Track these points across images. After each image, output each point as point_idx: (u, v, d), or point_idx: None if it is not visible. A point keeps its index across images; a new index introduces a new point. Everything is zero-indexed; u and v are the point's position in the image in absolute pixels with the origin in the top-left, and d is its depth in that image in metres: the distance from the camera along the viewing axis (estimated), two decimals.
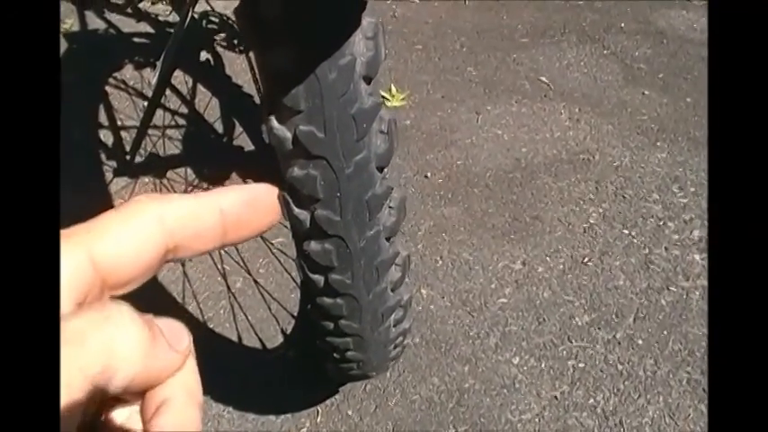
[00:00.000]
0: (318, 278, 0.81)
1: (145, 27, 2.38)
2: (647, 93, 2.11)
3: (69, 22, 2.42)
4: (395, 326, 0.95)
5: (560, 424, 1.29)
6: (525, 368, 1.39)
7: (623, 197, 1.75)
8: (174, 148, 1.94)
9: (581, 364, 1.38)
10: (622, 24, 2.44)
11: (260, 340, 1.44)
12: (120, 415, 0.28)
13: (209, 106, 2.07)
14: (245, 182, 1.80)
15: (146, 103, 2.01)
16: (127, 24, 2.36)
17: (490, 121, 2.03)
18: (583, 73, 2.22)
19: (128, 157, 1.87)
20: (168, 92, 2.05)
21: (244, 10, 0.64)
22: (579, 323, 1.46)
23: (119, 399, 0.27)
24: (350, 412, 1.33)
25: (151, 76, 1.88)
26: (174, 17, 2.35)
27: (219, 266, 1.61)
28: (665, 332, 1.42)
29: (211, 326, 1.49)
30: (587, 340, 1.43)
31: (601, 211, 1.71)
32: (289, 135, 0.68)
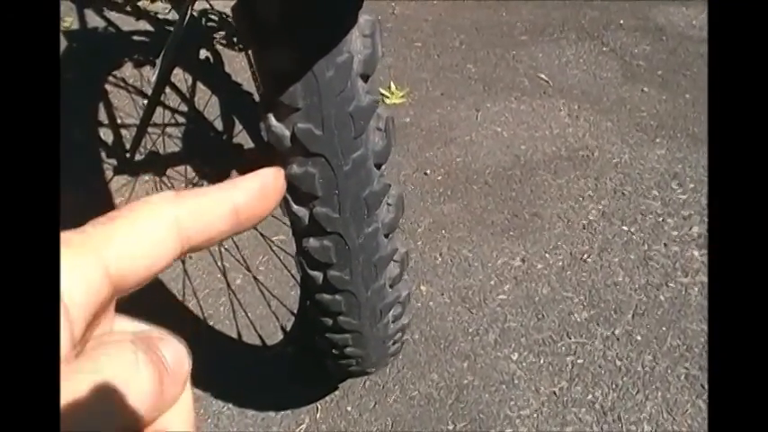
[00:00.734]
0: (317, 275, 0.81)
1: (144, 25, 2.38)
2: (646, 90, 2.12)
3: (69, 20, 2.42)
4: (393, 322, 0.95)
5: (559, 420, 1.29)
6: (524, 364, 1.39)
7: (622, 194, 1.75)
8: (173, 146, 1.95)
9: (580, 360, 1.39)
10: (621, 21, 2.44)
11: (260, 337, 1.45)
12: None
13: (208, 104, 2.07)
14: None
15: (145, 101, 2.02)
16: (126, 22, 2.36)
17: (489, 119, 2.03)
18: (582, 70, 2.23)
19: (128, 155, 1.87)
20: (168, 90, 2.06)
21: (241, 9, 0.64)
22: (578, 319, 1.46)
23: None
24: (349, 408, 1.33)
25: (151, 74, 1.89)
26: (173, 15, 2.35)
27: (219, 263, 1.62)
28: (664, 328, 1.43)
29: (211, 323, 1.49)
30: (586, 336, 1.43)
31: (600, 207, 1.72)
32: (287, 133, 0.69)
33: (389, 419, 1.31)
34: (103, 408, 0.22)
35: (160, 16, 2.43)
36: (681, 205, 1.70)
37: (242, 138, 1.93)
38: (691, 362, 1.36)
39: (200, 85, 2.13)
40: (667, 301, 1.48)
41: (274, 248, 1.62)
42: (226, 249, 1.65)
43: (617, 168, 1.83)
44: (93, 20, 2.35)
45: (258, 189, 0.31)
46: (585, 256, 1.59)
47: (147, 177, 1.87)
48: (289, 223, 0.79)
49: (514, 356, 1.41)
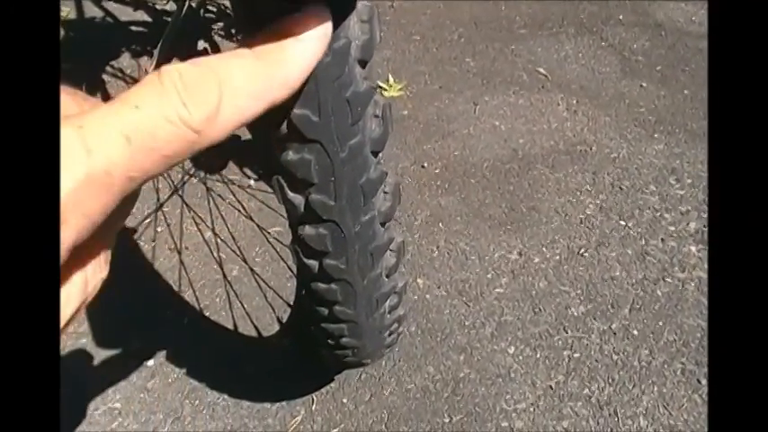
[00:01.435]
0: (313, 263, 0.81)
1: (142, 15, 2.36)
2: (644, 85, 2.11)
3: (66, 9, 2.41)
4: (389, 312, 0.95)
5: (555, 413, 1.29)
6: (520, 358, 1.39)
7: (620, 188, 1.75)
8: None
9: (576, 354, 1.39)
10: (621, 16, 2.44)
11: (256, 328, 1.45)
12: None
13: None
14: (241, 170, 1.80)
15: None
16: (124, 13, 2.35)
17: (488, 112, 2.03)
18: (581, 64, 2.22)
19: None
20: None
21: None
22: (575, 313, 1.46)
23: None
24: (345, 400, 1.33)
25: (148, 65, 1.88)
26: (171, 6, 2.33)
27: (216, 255, 1.61)
28: (661, 323, 1.42)
29: (207, 314, 1.49)
30: (583, 330, 1.43)
31: (598, 202, 1.71)
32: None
33: (385, 412, 1.31)
34: None
35: (158, 6, 2.41)
36: (678, 200, 1.69)
37: (240, 129, 1.92)
38: (687, 356, 1.36)
39: None
40: (664, 295, 1.48)
41: (271, 240, 1.62)
42: (222, 240, 1.64)
43: (615, 163, 1.83)
44: (91, 10, 2.34)
45: None
46: (583, 250, 1.59)
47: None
48: (285, 215, 0.79)
49: (511, 350, 1.40)
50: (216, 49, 2.22)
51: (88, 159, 0.24)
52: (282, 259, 1.57)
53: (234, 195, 1.75)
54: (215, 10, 2.33)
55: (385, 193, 0.78)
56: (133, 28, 2.33)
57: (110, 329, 1.43)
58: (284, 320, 1.45)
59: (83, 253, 0.27)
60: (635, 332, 1.41)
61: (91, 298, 0.29)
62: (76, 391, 1.33)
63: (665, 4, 2.47)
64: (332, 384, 1.35)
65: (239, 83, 0.28)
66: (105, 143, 0.25)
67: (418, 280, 1.54)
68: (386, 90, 2.12)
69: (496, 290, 1.51)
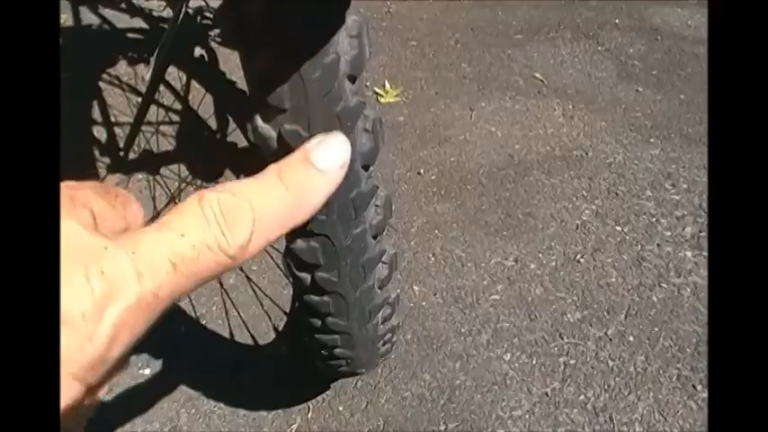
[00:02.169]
0: (305, 276, 0.81)
1: (139, 23, 2.37)
2: (640, 90, 2.12)
3: (63, 17, 2.41)
4: (383, 323, 0.95)
5: (551, 420, 1.29)
6: (516, 365, 1.39)
7: (616, 194, 1.75)
8: (167, 145, 1.94)
9: (572, 361, 1.39)
10: (617, 21, 2.44)
11: (252, 337, 1.45)
12: None
13: (202, 102, 2.07)
14: (237, 178, 1.80)
15: (139, 99, 2.01)
16: (121, 20, 2.36)
17: (484, 118, 2.03)
18: (577, 70, 2.22)
19: (121, 154, 1.87)
20: (162, 88, 2.05)
21: (226, 10, 0.64)
22: (571, 320, 1.46)
23: None
24: (341, 408, 1.33)
25: (145, 72, 1.88)
26: (168, 13, 2.34)
27: None
28: (656, 329, 1.43)
29: (204, 322, 1.49)
30: (579, 337, 1.43)
31: (594, 207, 1.72)
32: (273, 134, 0.68)
33: (381, 420, 1.31)
34: None
35: (155, 14, 2.42)
36: (674, 206, 1.70)
37: (236, 136, 1.93)
38: (683, 362, 1.36)
39: (194, 84, 2.12)
40: (660, 301, 1.48)
41: (268, 248, 1.62)
42: None
43: (611, 168, 1.83)
44: (88, 17, 2.34)
45: None
46: (579, 256, 1.59)
47: (140, 176, 1.87)
48: None
49: (507, 357, 1.40)
50: (212, 55, 2.23)
51: (139, 284, 0.27)
52: (279, 267, 1.57)
53: None
54: (211, 17, 2.33)
55: (376, 206, 0.78)
56: (130, 35, 2.34)
57: None
58: (280, 329, 1.45)
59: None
60: (631, 338, 1.42)
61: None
62: None
63: (661, 9, 2.48)
64: (328, 392, 1.35)
65: (269, 213, 0.32)
66: (155, 269, 0.28)
67: (414, 287, 1.54)
68: (382, 96, 2.12)
69: (492, 297, 1.51)
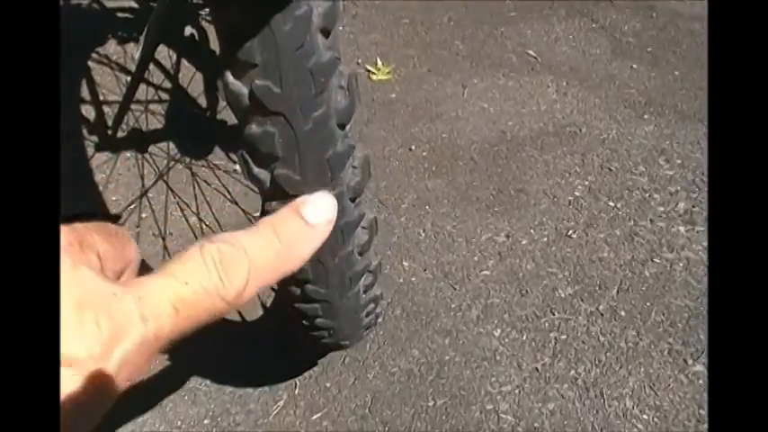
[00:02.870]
0: None
1: (129, 2, 2.34)
2: (635, 66, 2.09)
3: None
4: (364, 292, 0.93)
5: (540, 396, 1.28)
6: (507, 340, 1.37)
7: (609, 170, 1.73)
8: (156, 123, 1.92)
9: (563, 336, 1.37)
10: None
11: (239, 313, 1.43)
12: None
13: (192, 81, 2.04)
14: (226, 155, 1.79)
15: (129, 78, 1.98)
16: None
17: (476, 95, 2.01)
18: (571, 46, 2.20)
19: (109, 132, 1.84)
20: (152, 66, 2.03)
21: None
22: (562, 295, 1.45)
23: None
24: (328, 384, 1.31)
25: (134, 51, 1.85)
26: None
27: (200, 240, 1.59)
28: (648, 303, 1.41)
29: None
30: (570, 312, 1.41)
31: (586, 183, 1.70)
32: (245, 91, 0.66)
33: (369, 396, 1.29)
34: None
35: None
36: (668, 181, 1.68)
37: (226, 114, 1.90)
38: (674, 337, 1.34)
39: (184, 62, 2.10)
40: (652, 276, 1.46)
41: None
42: (207, 226, 1.63)
43: (604, 144, 1.81)
44: None
45: None
46: (571, 231, 1.57)
47: (128, 154, 1.85)
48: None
49: (497, 332, 1.39)
50: (203, 33, 2.20)
51: (144, 327, 0.30)
52: None
53: (219, 180, 1.73)
54: None
55: (353, 167, 0.76)
56: (120, 14, 2.31)
57: None
58: (268, 305, 1.43)
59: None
60: (622, 313, 1.40)
61: None
62: None
63: None
64: (315, 368, 1.33)
65: (263, 263, 0.34)
66: (158, 313, 0.31)
67: (404, 263, 1.52)
68: (374, 73, 2.10)
69: (483, 272, 1.50)
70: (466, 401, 1.28)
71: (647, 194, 1.65)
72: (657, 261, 1.49)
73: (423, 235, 1.59)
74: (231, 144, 1.80)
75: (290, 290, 0.88)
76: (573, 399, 1.27)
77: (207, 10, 2.29)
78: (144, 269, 0.35)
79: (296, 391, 1.31)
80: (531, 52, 2.18)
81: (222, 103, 1.95)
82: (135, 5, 2.34)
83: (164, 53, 2.08)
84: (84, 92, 1.99)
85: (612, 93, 1.99)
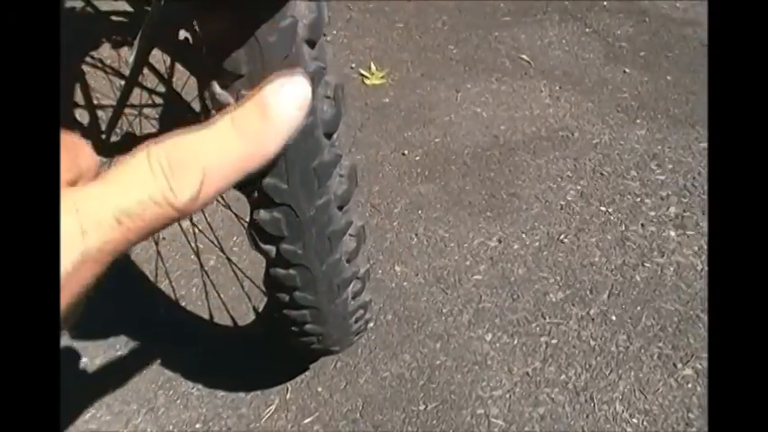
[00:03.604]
0: (270, 248, 0.80)
1: (124, 5, 2.34)
2: (628, 71, 2.10)
3: None
4: (353, 298, 0.94)
5: (531, 400, 1.28)
6: (498, 345, 1.38)
7: (601, 174, 1.74)
8: (150, 127, 1.93)
9: (554, 341, 1.38)
10: (605, 2, 2.42)
11: (232, 318, 1.44)
12: None
13: (186, 85, 2.05)
14: None
15: (123, 83, 1.99)
16: (105, 2, 2.33)
17: (470, 99, 2.01)
18: (564, 51, 2.21)
19: (103, 137, 1.85)
20: (146, 71, 2.03)
21: None
22: (553, 300, 1.45)
23: None
24: (320, 389, 1.32)
25: (128, 55, 1.86)
26: None
27: (193, 245, 1.60)
28: (639, 308, 1.42)
29: (183, 304, 1.48)
30: (561, 317, 1.42)
31: (578, 188, 1.70)
32: (231, 101, 0.67)
33: (360, 400, 1.30)
34: None
35: None
36: (659, 185, 1.68)
37: None
38: (664, 341, 1.35)
39: (178, 66, 2.10)
40: (643, 281, 1.47)
41: None
42: (200, 230, 1.63)
43: (596, 149, 1.82)
44: None
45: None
46: (562, 236, 1.58)
47: (122, 159, 1.85)
48: None
49: (488, 337, 1.39)
50: (197, 38, 2.20)
51: (83, 241, 0.28)
52: None
53: None
54: None
55: (340, 176, 0.77)
56: (114, 18, 2.31)
57: (84, 321, 1.41)
58: (260, 310, 1.44)
59: None
60: (613, 317, 1.41)
61: None
62: None
63: None
64: (307, 373, 1.34)
65: (219, 163, 0.31)
66: (99, 225, 0.28)
67: (396, 267, 1.53)
68: (368, 78, 2.10)
69: (475, 277, 1.50)
70: (457, 406, 1.28)
71: (639, 199, 1.66)
72: (648, 265, 1.50)
73: (415, 239, 1.59)
74: None
75: (278, 296, 0.88)
76: (563, 403, 1.28)
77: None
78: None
79: (287, 396, 1.31)
80: (524, 56, 2.18)
81: None
82: (129, 9, 2.34)
83: (158, 57, 2.08)
84: (78, 96, 1.99)
85: (605, 97, 2.00)
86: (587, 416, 1.25)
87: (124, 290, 1.50)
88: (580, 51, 2.20)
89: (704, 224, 1.57)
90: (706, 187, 1.66)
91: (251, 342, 1.40)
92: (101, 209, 0.28)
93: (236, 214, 1.62)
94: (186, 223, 1.64)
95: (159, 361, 1.37)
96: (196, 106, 1.97)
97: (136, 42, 1.61)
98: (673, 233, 1.56)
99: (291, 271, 0.81)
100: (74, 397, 1.31)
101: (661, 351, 1.34)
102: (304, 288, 0.84)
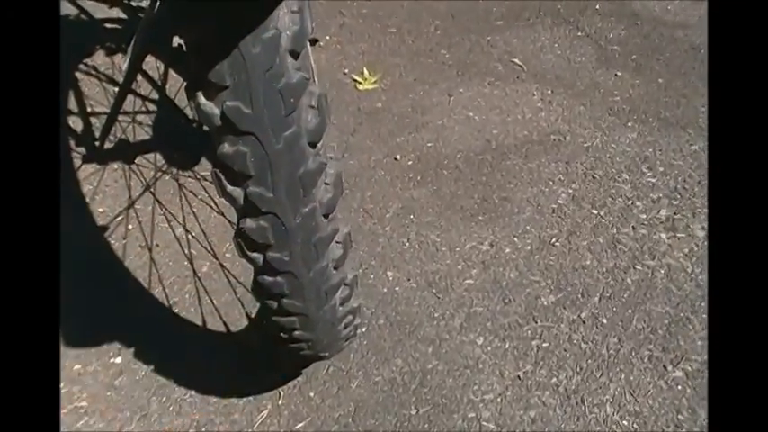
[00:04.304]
0: (257, 256, 0.80)
1: (117, 13, 2.35)
2: (619, 74, 2.11)
3: None
4: (341, 304, 0.95)
5: (522, 403, 1.29)
6: (489, 348, 1.39)
7: (593, 177, 1.74)
8: (144, 134, 1.93)
9: (545, 344, 1.39)
10: (597, 6, 2.43)
11: (224, 324, 1.44)
12: None
13: (180, 92, 2.05)
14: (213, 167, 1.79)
15: (116, 90, 2.00)
16: (99, 10, 2.34)
17: (462, 104, 2.02)
18: (556, 55, 2.22)
19: (97, 144, 1.85)
20: (139, 77, 2.04)
21: None
22: (545, 303, 1.46)
23: None
24: (312, 394, 1.32)
25: (122, 62, 1.87)
26: (147, 3, 2.32)
27: (186, 251, 1.61)
28: (630, 311, 1.42)
29: (176, 310, 1.48)
30: (552, 320, 1.43)
31: (570, 191, 1.71)
32: (217, 111, 0.68)
33: (352, 405, 1.31)
34: None
35: (134, 3, 2.39)
36: (650, 188, 1.69)
37: None
38: (655, 343, 1.36)
39: (171, 73, 2.11)
40: (634, 283, 1.48)
41: None
42: (193, 237, 1.64)
43: (588, 152, 1.82)
44: (66, 7, 2.32)
45: None
46: (554, 239, 1.59)
47: (115, 165, 1.86)
48: None
49: (480, 341, 1.40)
50: None
51: None
52: None
53: (206, 191, 1.74)
54: None
55: (326, 184, 0.78)
56: (108, 25, 2.32)
57: (78, 327, 1.42)
58: (253, 315, 1.44)
59: None
60: (604, 320, 1.41)
61: None
62: None
63: None
64: (299, 378, 1.35)
65: None
66: None
67: (388, 272, 1.54)
68: (360, 83, 2.11)
69: (466, 281, 1.51)
70: (448, 410, 1.29)
71: (630, 202, 1.66)
72: (639, 268, 1.50)
73: (407, 244, 1.60)
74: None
75: (266, 303, 0.89)
76: (554, 406, 1.28)
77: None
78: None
79: (280, 401, 1.32)
80: (516, 60, 2.19)
81: None
82: (124, 16, 2.35)
83: (152, 64, 2.09)
84: (72, 103, 2.00)
85: (597, 100, 2.01)
86: (578, 419, 1.26)
87: (117, 297, 1.50)
88: (572, 55, 2.21)
89: (695, 227, 1.58)
90: (697, 190, 1.67)
91: (243, 348, 1.40)
92: None
93: (229, 221, 1.63)
94: (180, 229, 1.64)
95: (152, 367, 1.38)
96: (189, 113, 1.98)
97: (129, 49, 1.62)
98: (664, 236, 1.57)
99: (279, 278, 0.82)
100: (63, 403, 1.32)
101: (651, 353, 1.34)
102: (292, 295, 0.85)
